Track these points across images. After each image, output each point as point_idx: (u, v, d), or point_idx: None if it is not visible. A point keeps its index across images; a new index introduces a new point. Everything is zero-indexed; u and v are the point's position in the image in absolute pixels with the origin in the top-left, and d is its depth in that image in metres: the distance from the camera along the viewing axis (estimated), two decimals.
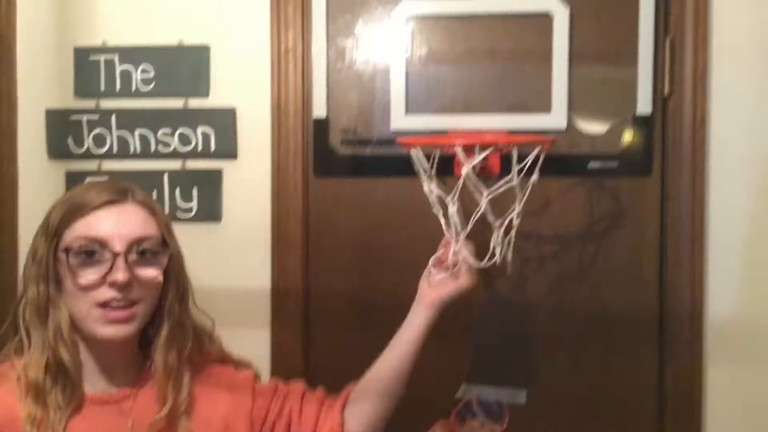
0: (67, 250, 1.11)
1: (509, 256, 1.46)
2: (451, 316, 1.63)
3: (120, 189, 1.17)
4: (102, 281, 1.11)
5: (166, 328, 1.21)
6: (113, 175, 1.69)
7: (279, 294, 1.67)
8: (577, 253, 1.62)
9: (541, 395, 1.62)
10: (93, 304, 1.11)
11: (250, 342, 1.67)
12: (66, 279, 1.12)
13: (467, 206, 1.51)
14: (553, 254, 1.62)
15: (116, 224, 1.13)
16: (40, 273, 1.13)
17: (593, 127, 1.60)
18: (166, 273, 1.19)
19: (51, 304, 1.13)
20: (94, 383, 1.18)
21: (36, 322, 1.13)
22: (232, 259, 1.67)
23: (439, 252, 1.40)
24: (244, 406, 1.27)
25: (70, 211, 1.13)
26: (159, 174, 1.68)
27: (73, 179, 1.70)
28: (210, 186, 1.67)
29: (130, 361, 1.23)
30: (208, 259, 1.61)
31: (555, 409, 1.62)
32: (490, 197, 1.41)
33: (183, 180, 1.67)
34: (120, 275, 1.10)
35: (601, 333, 1.62)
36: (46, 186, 1.71)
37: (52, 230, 1.13)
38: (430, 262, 1.39)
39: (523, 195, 1.42)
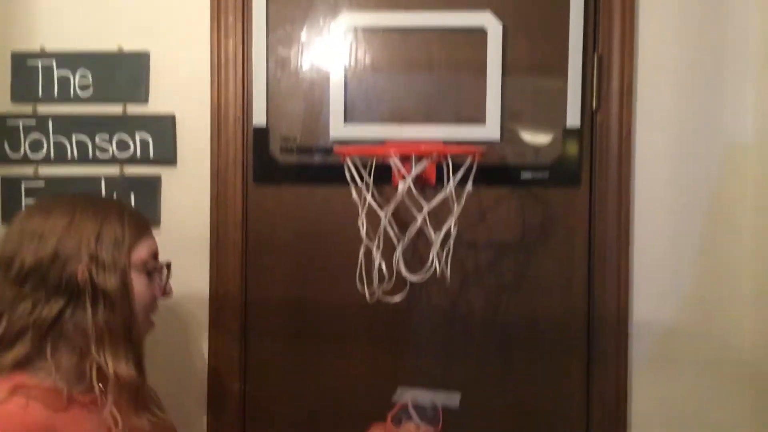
0: (147, 263, 1.22)
1: (447, 268, 1.51)
2: (388, 322, 1.67)
3: None
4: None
5: None
6: (50, 180, 1.68)
7: (217, 300, 1.68)
8: (511, 262, 1.67)
9: (475, 399, 1.66)
10: (149, 311, 1.25)
11: (189, 347, 1.69)
12: (138, 288, 1.19)
13: (400, 215, 1.56)
14: (487, 263, 1.67)
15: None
16: (120, 283, 1.17)
17: (526, 138, 1.65)
18: None
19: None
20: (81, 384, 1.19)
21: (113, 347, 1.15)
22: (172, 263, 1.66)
23: None
24: None
25: (138, 229, 1.22)
26: (96, 180, 1.68)
27: (8, 185, 1.69)
28: (148, 192, 1.67)
29: None
30: None
31: (487, 413, 1.67)
32: (427, 210, 1.46)
33: (120, 186, 1.67)
34: (170, 286, 1.29)
35: (532, 340, 1.67)
36: None
37: (128, 244, 1.19)
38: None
39: (459, 205, 1.47)
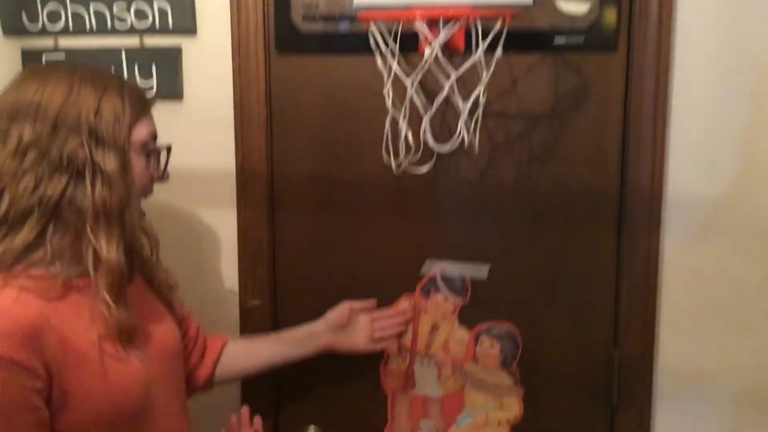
0: (147, 144, 1.18)
1: (476, 138, 1.47)
2: (415, 194, 1.65)
3: None
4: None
5: None
6: (70, 53, 1.65)
7: (244, 173, 1.66)
8: (542, 132, 1.61)
9: (503, 270, 1.66)
10: (144, 195, 1.22)
11: (217, 222, 1.70)
12: (136, 169, 1.16)
13: (427, 85, 1.50)
14: (517, 133, 1.62)
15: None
16: (119, 162, 1.12)
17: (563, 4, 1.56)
18: None
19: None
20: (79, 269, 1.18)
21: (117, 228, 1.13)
22: (196, 138, 1.65)
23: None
24: None
25: (139, 106, 1.17)
26: (116, 51, 1.64)
27: (29, 57, 1.66)
28: (169, 63, 1.63)
29: None
30: (170, 139, 1.58)
31: (516, 284, 1.67)
32: (455, 77, 1.41)
33: (141, 57, 1.63)
34: (168, 171, 1.26)
35: (563, 211, 1.63)
36: (1, 63, 1.67)
37: (128, 121, 1.14)
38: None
39: (489, 72, 1.42)
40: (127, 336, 1.15)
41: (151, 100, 1.23)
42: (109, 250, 1.11)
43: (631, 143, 1.58)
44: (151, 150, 1.20)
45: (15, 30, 1.66)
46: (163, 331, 1.29)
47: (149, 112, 1.21)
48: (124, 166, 1.13)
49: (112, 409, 1.11)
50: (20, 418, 1.01)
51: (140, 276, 1.30)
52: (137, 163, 1.16)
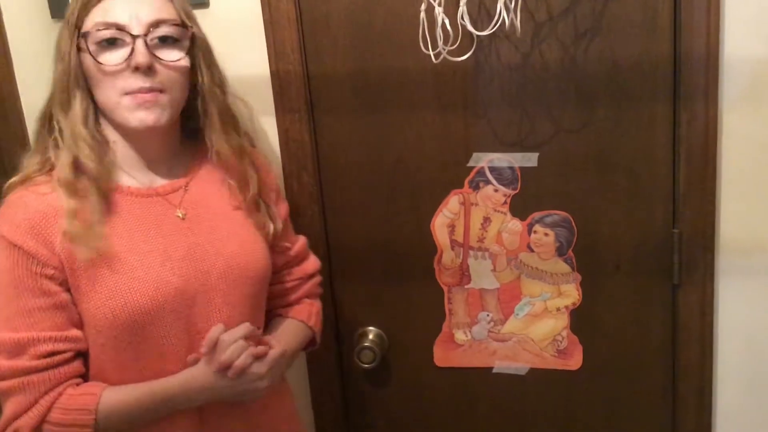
0: (85, 36, 1.14)
1: (517, 19, 1.39)
2: (457, 85, 1.59)
3: None
4: (126, 67, 1.14)
5: (215, 114, 1.25)
6: None
7: (279, 78, 1.62)
8: (587, 5, 1.51)
9: (554, 156, 1.60)
10: (121, 92, 1.15)
11: (257, 131, 1.67)
12: (90, 68, 1.15)
13: None
14: (561, 9, 1.52)
15: (132, 8, 1.14)
16: (65, 68, 1.16)
17: None
18: (193, 58, 1.22)
19: (73, 98, 1.17)
20: (138, 177, 1.21)
21: (63, 118, 1.17)
22: (225, 45, 1.58)
23: None
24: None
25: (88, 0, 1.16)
26: None
27: None
28: None
29: (176, 153, 1.28)
30: None
31: (567, 169, 1.61)
32: None
33: None
34: (141, 58, 1.13)
35: (613, 88, 1.55)
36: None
37: (73, 21, 1.16)
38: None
39: None
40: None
41: None
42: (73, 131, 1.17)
43: (684, 6, 1.47)
44: (104, 38, 1.15)
45: (63, 13, 1.59)
46: (229, 249, 1.28)
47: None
48: (78, 47, 1.15)
49: (124, 308, 1.12)
50: (31, 300, 1.07)
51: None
52: (92, 47, 1.15)
